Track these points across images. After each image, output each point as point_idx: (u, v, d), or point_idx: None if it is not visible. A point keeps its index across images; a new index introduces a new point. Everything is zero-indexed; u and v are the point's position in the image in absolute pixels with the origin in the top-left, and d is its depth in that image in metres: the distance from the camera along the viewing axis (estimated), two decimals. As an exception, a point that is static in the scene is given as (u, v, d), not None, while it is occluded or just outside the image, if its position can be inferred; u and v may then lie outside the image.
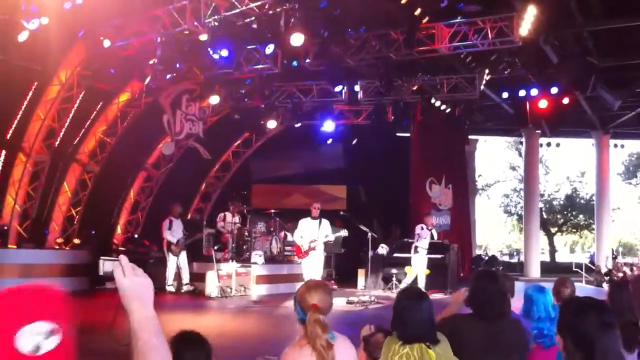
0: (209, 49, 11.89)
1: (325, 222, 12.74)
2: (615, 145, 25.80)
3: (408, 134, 19.66)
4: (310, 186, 20.27)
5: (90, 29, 12.40)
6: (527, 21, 12.72)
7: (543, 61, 15.88)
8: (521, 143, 26.85)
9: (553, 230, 41.23)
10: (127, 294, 1.71)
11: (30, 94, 13.57)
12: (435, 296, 14.56)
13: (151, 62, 13.43)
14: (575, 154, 42.42)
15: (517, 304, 4.84)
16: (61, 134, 14.33)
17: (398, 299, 3.69)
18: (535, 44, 14.08)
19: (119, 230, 17.17)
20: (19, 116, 13.56)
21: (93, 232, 15.60)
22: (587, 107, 20.56)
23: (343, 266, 17.34)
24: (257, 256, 14.69)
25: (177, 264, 14.04)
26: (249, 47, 13.68)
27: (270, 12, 11.59)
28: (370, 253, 15.09)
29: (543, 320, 4.55)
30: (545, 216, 38.47)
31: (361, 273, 16.27)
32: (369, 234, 14.82)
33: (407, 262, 15.52)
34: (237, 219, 15.27)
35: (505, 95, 18.20)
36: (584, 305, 2.57)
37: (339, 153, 20.22)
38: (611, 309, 2.65)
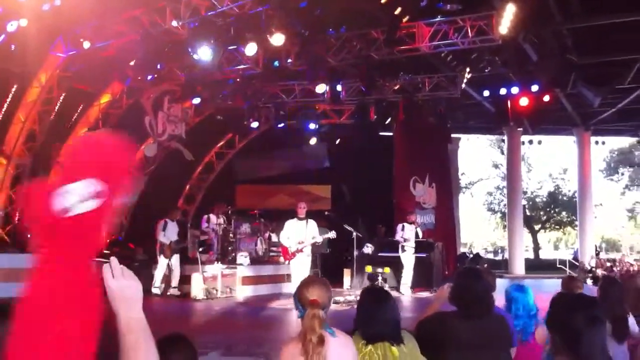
0: (190, 50, 11.86)
1: (312, 223, 12.59)
2: (597, 142, 26.03)
3: (391, 133, 19.70)
4: (295, 186, 20.26)
5: (69, 31, 12.31)
6: (507, 19, 12.79)
7: (523, 59, 16.00)
8: (503, 141, 27.04)
9: (536, 227, 41.46)
10: (114, 296, 1.70)
11: (10, 96, 13.46)
12: (421, 294, 14.65)
13: (131, 63, 13.36)
14: (557, 151, 42.73)
15: (498, 300, 4.89)
16: (42, 136, 14.21)
17: (361, 298, 3.73)
18: (515, 42, 14.18)
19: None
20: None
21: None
22: (568, 104, 20.74)
23: (329, 266, 17.34)
24: (243, 257, 14.65)
25: (168, 266, 13.90)
26: (230, 48, 13.65)
27: (251, 12, 11.58)
28: (355, 252, 15.14)
29: (521, 317, 4.62)
30: (528, 213, 38.70)
31: (347, 273, 16.28)
32: (354, 233, 14.86)
33: (392, 260, 15.57)
34: (221, 220, 15.22)
35: (486, 93, 18.29)
36: (573, 301, 2.60)
37: (323, 153, 20.24)
38: (600, 305, 2.68)
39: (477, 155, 44.05)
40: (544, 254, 41.28)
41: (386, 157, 19.47)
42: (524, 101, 17.00)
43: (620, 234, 47.78)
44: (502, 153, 34.67)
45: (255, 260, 15.20)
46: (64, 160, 1.52)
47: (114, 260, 1.74)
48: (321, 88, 16.71)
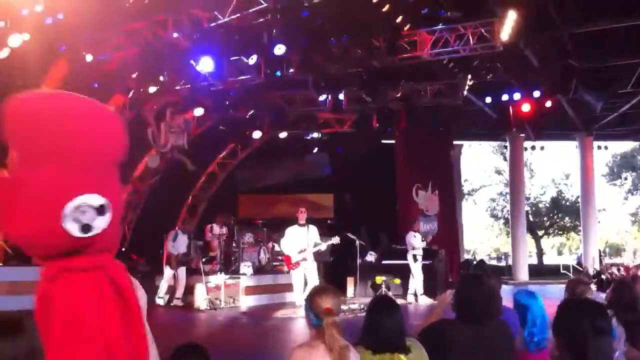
0: (192, 61, 11.90)
1: (313, 229, 12.58)
2: (599, 147, 26.00)
3: (393, 141, 19.71)
4: (297, 195, 20.25)
5: (72, 44, 12.35)
6: (508, 26, 12.83)
7: (524, 65, 16.02)
8: (506, 147, 27.02)
9: (540, 233, 41.38)
10: None
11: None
12: (426, 301, 14.62)
13: (134, 75, 13.40)
14: (560, 156, 42.69)
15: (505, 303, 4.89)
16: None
17: (369, 308, 3.73)
18: (516, 48, 14.21)
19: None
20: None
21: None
22: (570, 109, 20.74)
23: (332, 274, 17.32)
24: (246, 267, 14.64)
25: (174, 277, 13.87)
26: (231, 58, 13.69)
27: (253, 23, 11.62)
28: (358, 261, 15.12)
29: (536, 325, 4.57)
30: (531, 219, 38.62)
31: (350, 281, 16.25)
32: (357, 241, 14.85)
33: (396, 269, 15.54)
34: (224, 230, 15.22)
35: (488, 100, 18.32)
36: (580, 308, 2.59)
37: (325, 161, 20.24)
38: (606, 313, 2.67)
39: (479, 162, 44.09)
40: (548, 260, 41.18)
41: (388, 165, 19.49)
42: (526, 107, 17.03)
43: (624, 238, 47.67)
44: (505, 159, 34.63)
45: (258, 270, 15.19)
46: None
47: None
48: (323, 97, 16.76)
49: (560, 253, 50.31)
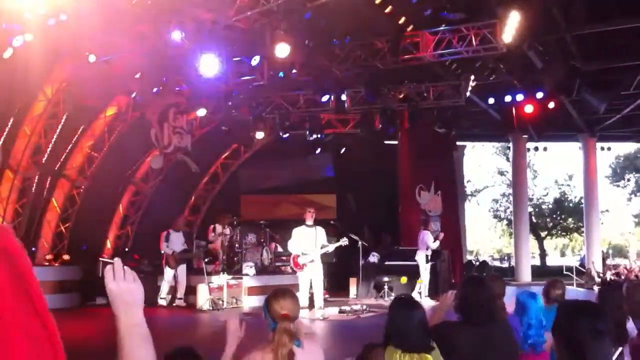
0: (195, 62, 11.90)
1: (321, 230, 12.40)
2: (602, 148, 25.97)
3: (396, 142, 19.72)
4: (300, 196, 20.26)
5: (75, 45, 12.37)
6: (511, 27, 12.81)
7: (527, 66, 16.01)
8: (509, 148, 27.00)
9: (543, 234, 41.30)
10: (114, 299, 1.68)
11: (16, 110, 13.52)
12: (429, 302, 14.62)
13: (137, 76, 13.42)
14: (563, 157, 42.62)
15: (508, 307, 4.89)
16: (48, 149, 14.26)
17: (393, 309, 3.72)
18: (519, 49, 14.19)
19: (108, 245, 17.09)
20: (5, 133, 13.51)
21: (85, 248, 15.53)
22: (573, 110, 20.72)
23: (335, 275, 17.34)
24: (248, 267, 14.66)
25: (174, 277, 13.95)
26: (235, 59, 13.70)
27: (256, 24, 11.63)
28: (361, 261, 15.13)
29: (533, 327, 4.59)
30: (534, 220, 38.57)
31: (353, 282, 16.26)
32: (360, 242, 14.85)
33: (399, 269, 15.55)
34: (227, 230, 15.25)
35: (491, 101, 18.29)
36: (579, 309, 2.59)
37: (328, 162, 20.25)
38: (605, 315, 2.67)
39: (482, 163, 43.98)
40: (551, 261, 41.09)
41: (391, 166, 19.50)
42: (529, 108, 17.00)
43: (627, 239, 47.58)
44: (508, 160, 34.61)
45: (261, 271, 15.20)
46: None
47: (117, 261, 1.73)
48: (326, 98, 16.76)
49: (563, 254, 50.23)
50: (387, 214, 19.05)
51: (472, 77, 16.45)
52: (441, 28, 13.71)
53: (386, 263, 16.04)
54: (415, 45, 13.86)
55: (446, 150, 20.61)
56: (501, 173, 41.92)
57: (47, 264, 14.47)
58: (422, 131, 18.35)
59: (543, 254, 40.24)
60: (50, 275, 13.61)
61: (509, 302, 5.06)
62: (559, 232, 43.15)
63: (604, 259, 24.91)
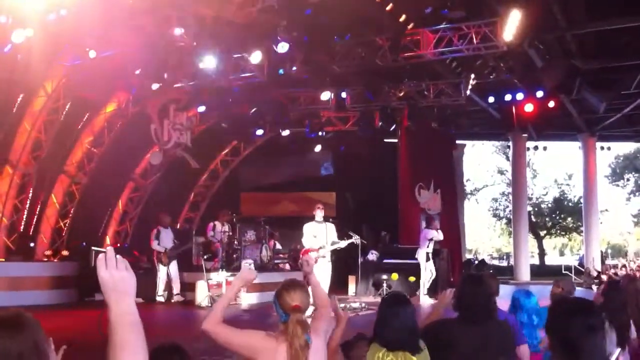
0: (195, 58, 11.90)
1: (331, 226, 12.20)
2: (602, 148, 25.95)
3: (395, 140, 19.71)
4: (299, 193, 20.27)
5: (75, 40, 12.36)
6: (511, 26, 12.80)
7: (528, 65, 15.99)
8: (508, 147, 27.00)
9: (542, 233, 41.30)
10: (105, 288, 1.69)
11: (16, 105, 13.52)
12: (427, 301, 14.63)
13: (137, 71, 13.41)
14: (562, 157, 42.65)
15: (503, 304, 4.89)
16: (48, 145, 14.26)
17: (381, 305, 3.72)
18: (519, 48, 14.17)
19: (107, 241, 17.09)
20: (5, 128, 13.50)
21: (84, 244, 15.54)
22: (573, 110, 20.70)
23: (333, 273, 17.31)
24: (247, 264, 14.64)
25: (167, 274, 14.02)
26: (235, 56, 13.69)
27: (256, 20, 11.61)
28: (360, 259, 15.13)
29: (526, 325, 4.60)
30: (533, 219, 38.57)
31: (351, 280, 16.26)
32: (359, 240, 14.83)
33: (397, 268, 15.53)
34: (226, 227, 15.24)
35: (491, 99, 18.28)
36: (572, 307, 2.58)
37: (327, 160, 20.25)
38: (599, 311, 2.67)
39: (482, 162, 43.98)
40: (550, 260, 41.13)
41: (391, 164, 19.48)
42: (529, 107, 16.99)
43: (626, 239, 47.61)
44: (507, 159, 34.61)
45: (260, 268, 15.18)
46: None
47: (110, 250, 1.74)
48: (326, 95, 16.75)
49: (562, 254, 50.28)
50: (386, 212, 19.03)
51: (472, 76, 16.42)
52: (442, 26, 13.70)
53: (385, 261, 16.03)
54: (416, 43, 13.84)
55: (446, 148, 20.60)
56: (501, 172, 41.93)
57: (45, 259, 14.48)
58: (422, 129, 18.34)
59: (542, 253, 40.26)
60: (49, 270, 13.61)
61: (505, 301, 5.07)
62: (558, 231, 43.17)
63: (602, 259, 24.90)
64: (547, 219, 42.34)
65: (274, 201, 20.51)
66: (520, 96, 16.96)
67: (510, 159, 26.36)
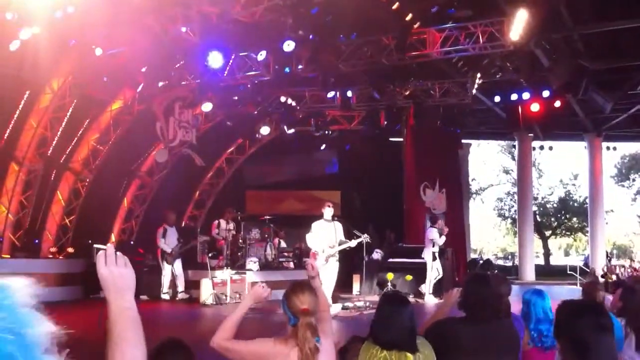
0: (201, 56, 11.91)
1: (339, 225, 12.06)
2: (608, 148, 25.86)
3: (401, 139, 19.69)
4: (304, 192, 20.27)
5: (81, 37, 12.39)
6: (518, 25, 12.76)
7: (534, 65, 15.95)
8: (514, 147, 26.93)
9: (547, 233, 41.21)
10: (105, 284, 1.73)
11: (23, 102, 13.55)
12: (432, 300, 14.61)
13: (143, 69, 13.44)
14: (568, 157, 42.49)
15: (513, 306, 4.88)
16: (54, 142, 14.30)
17: (380, 304, 3.72)
18: (526, 47, 14.13)
19: (112, 238, 17.12)
20: (11, 125, 13.55)
21: (90, 241, 15.57)
22: (579, 110, 20.65)
23: (338, 271, 17.33)
24: (252, 263, 14.66)
25: (172, 272, 14.05)
26: (241, 54, 13.70)
27: (262, 19, 11.62)
28: (365, 258, 15.11)
29: (542, 321, 4.58)
30: (539, 219, 38.48)
31: (356, 278, 16.25)
32: (368, 238, 14.81)
33: (402, 267, 15.53)
34: (231, 225, 15.27)
35: (497, 99, 18.26)
36: (579, 308, 2.57)
37: (333, 158, 20.25)
38: (607, 312, 2.65)
39: (487, 161, 43.88)
40: (555, 260, 41.06)
41: (396, 163, 19.47)
42: (535, 107, 16.96)
43: (632, 240, 47.44)
44: (513, 159, 34.51)
45: (264, 266, 15.20)
46: None
47: (110, 247, 1.78)
48: (331, 94, 16.75)
49: (567, 254, 50.14)
50: (392, 211, 19.02)
51: (479, 75, 16.40)
52: (448, 25, 13.67)
53: (390, 260, 16.02)
54: (422, 42, 13.82)
55: (451, 148, 20.57)
56: (506, 172, 41.83)
57: (51, 256, 14.51)
58: (428, 129, 18.32)
59: (547, 254, 40.18)
60: (55, 267, 13.65)
61: (515, 300, 5.05)
62: (564, 231, 43.06)
63: (608, 259, 24.81)
64: (552, 219, 42.24)
65: (279, 199, 20.52)
66: (526, 96, 16.94)
67: (516, 158, 26.30)
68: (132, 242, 17.02)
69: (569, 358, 2.47)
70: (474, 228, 31.51)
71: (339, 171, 20.49)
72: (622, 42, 15.47)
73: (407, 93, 17.14)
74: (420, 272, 15.16)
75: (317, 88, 16.58)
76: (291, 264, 16.40)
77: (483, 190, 43.39)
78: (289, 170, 20.40)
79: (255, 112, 17.23)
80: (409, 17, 13.08)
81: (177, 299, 13.82)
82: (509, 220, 42.65)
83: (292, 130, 18.04)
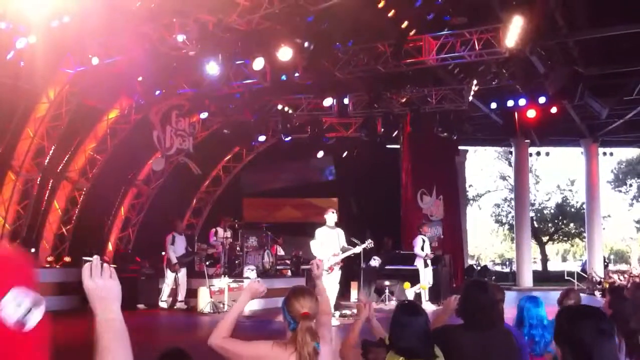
0: (197, 65, 11.91)
1: (341, 232, 11.87)
2: (604, 153, 25.91)
3: (398, 146, 19.71)
4: (302, 199, 20.27)
5: (78, 47, 12.39)
6: (513, 32, 12.79)
7: (530, 71, 15.99)
8: (511, 153, 26.99)
9: (544, 239, 41.21)
10: (90, 296, 1.73)
11: (19, 112, 13.54)
12: (430, 307, 14.58)
13: (140, 78, 13.44)
14: (565, 162, 42.58)
15: (508, 315, 4.87)
16: (51, 151, 14.28)
17: (395, 314, 3.71)
18: (522, 54, 14.18)
19: (110, 247, 17.09)
20: (8, 135, 13.53)
21: (87, 250, 15.52)
22: (576, 115, 20.69)
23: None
24: (250, 271, 14.62)
25: (175, 280, 13.96)
26: (237, 62, 13.71)
27: (259, 27, 11.63)
28: (362, 265, 15.08)
29: (535, 327, 4.59)
30: (536, 225, 38.51)
31: (354, 285, 16.22)
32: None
33: (400, 274, 15.51)
34: (228, 233, 15.24)
35: (493, 105, 18.30)
36: (579, 313, 2.56)
37: (330, 166, 20.25)
38: (607, 317, 2.65)
39: (484, 167, 43.94)
40: (552, 266, 41.03)
41: (393, 170, 19.49)
42: (531, 113, 17.00)
43: (629, 245, 47.47)
44: (510, 165, 34.56)
45: (262, 274, 15.17)
46: None
47: (95, 259, 1.77)
48: (328, 101, 16.76)
49: (564, 259, 50.18)
50: (389, 217, 19.02)
51: (475, 82, 16.44)
52: (444, 32, 13.72)
53: (387, 267, 16.00)
54: (418, 49, 13.86)
55: (448, 154, 20.59)
56: (503, 178, 41.85)
57: (48, 265, 14.46)
58: (424, 135, 18.33)
59: (545, 259, 40.18)
60: (51, 276, 13.59)
61: (510, 307, 5.05)
62: (561, 237, 43.08)
63: (605, 265, 24.83)
64: (549, 224, 42.26)
65: (276, 207, 20.51)
66: (522, 102, 16.98)
67: (513, 164, 26.34)
68: (129, 251, 16.98)
69: (570, 363, 2.46)
70: (471, 234, 31.58)
71: (336, 178, 20.50)
72: (617, 48, 15.53)
73: (403, 100, 17.19)
74: (417, 280, 15.14)
75: (314, 95, 16.60)
76: (289, 272, 16.37)
77: (480, 197, 43.44)
78: (286, 178, 20.39)
79: (252, 120, 17.23)
80: (405, 24, 13.12)
81: (175, 307, 13.77)
82: (506, 227, 42.64)
83: (289, 138, 18.05)
